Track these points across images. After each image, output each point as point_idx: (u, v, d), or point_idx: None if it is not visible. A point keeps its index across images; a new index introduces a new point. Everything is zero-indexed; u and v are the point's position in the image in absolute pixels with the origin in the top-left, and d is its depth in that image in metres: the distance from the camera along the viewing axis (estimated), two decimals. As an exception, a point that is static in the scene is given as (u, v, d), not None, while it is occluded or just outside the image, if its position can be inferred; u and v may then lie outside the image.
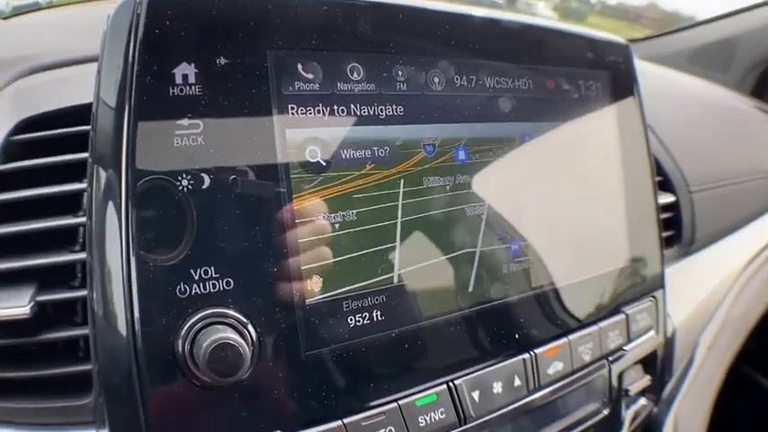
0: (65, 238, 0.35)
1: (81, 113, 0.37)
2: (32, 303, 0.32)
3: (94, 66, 0.29)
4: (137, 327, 0.27)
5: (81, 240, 0.35)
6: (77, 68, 0.43)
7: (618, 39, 0.48)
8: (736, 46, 1.00)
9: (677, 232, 0.63)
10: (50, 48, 0.45)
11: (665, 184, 0.63)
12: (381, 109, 0.33)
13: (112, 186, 0.27)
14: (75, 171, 0.35)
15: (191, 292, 0.28)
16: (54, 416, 0.33)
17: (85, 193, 0.35)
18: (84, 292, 0.33)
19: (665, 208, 0.61)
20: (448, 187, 0.35)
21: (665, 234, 0.61)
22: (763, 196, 0.75)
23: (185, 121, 0.28)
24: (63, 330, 0.33)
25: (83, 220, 0.35)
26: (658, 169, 0.63)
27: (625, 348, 0.46)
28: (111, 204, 0.27)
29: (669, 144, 0.66)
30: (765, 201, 0.75)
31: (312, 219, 0.31)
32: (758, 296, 0.70)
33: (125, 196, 0.27)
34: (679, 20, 1.43)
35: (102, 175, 0.28)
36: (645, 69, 0.93)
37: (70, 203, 0.35)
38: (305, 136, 0.31)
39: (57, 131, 0.37)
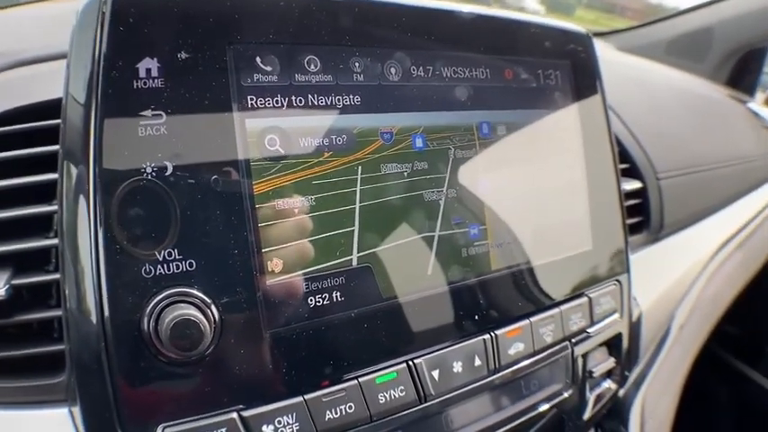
0: (40, 225, 0.37)
1: (52, 108, 0.39)
2: (7, 286, 0.33)
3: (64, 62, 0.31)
4: (105, 306, 0.28)
5: (55, 227, 0.37)
6: (50, 64, 0.45)
7: (578, 28, 0.49)
8: (711, 36, 1.02)
9: (645, 218, 0.65)
10: (32, 42, 0.47)
11: (632, 172, 0.65)
12: (338, 99, 0.35)
13: (81, 175, 0.29)
14: (48, 162, 0.37)
15: (155, 273, 0.29)
16: (28, 394, 0.34)
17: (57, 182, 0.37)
18: (58, 276, 0.35)
19: (633, 194, 0.63)
20: (405, 174, 0.37)
21: (633, 220, 0.63)
22: (733, 183, 0.77)
23: (149, 113, 0.29)
24: (38, 312, 0.35)
25: (56, 207, 0.37)
26: (626, 156, 0.65)
27: (588, 331, 0.48)
28: (80, 192, 0.29)
29: (637, 132, 0.67)
30: (735, 188, 0.77)
31: (272, 204, 0.32)
32: (731, 280, 0.72)
33: (93, 183, 0.29)
34: (663, 11, 1.45)
35: (72, 163, 0.30)
36: (618, 60, 0.94)
37: (44, 192, 0.37)
38: (264, 125, 0.32)
39: (29, 125, 0.39)
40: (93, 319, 0.29)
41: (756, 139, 0.87)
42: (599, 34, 1.18)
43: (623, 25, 1.28)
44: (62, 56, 0.46)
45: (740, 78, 1.04)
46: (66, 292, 0.29)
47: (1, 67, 0.44)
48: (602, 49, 1.02)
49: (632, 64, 0.92)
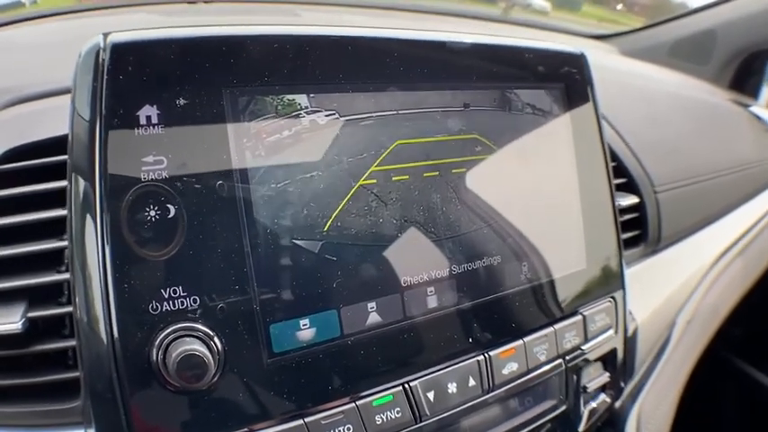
0: (52, 258, 0.39)
1: (63, 144, 0.40)
2: (24, 320, 0.35)
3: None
4: (116, 340, 0.30)
5: (66, 261, 0.39)
6: (61, 99, 0.46)
7: (572, 49, 0.49)
8: (714, 38, 1.01)
9: (643, 232, 0.66)
10: (35, 77, 0.48)
11: (629, 186, 0.65)
12: (336, 137, 0.36)
13: (91, 213, 0.31)
14: (62, 197, 0.39)
15: (162, 309, 0.31)
16: (46, 418, 0.37)
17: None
18: (71, 308, 0.37)
19: (630, 209, 0.63)
20: (401, 203, 0.38)
21: (629, 234, 0.64)
22: (733, 191, 0.77)
23: (150, 158, 0.31)
24: (53, 342, 0.37)
25: (67, 243, 0.39)
26: (622, 171, 0.65)
27: (582, 348, 0.49)
28: (89, 231, 0.31)
29: (635, 145, 0.67)
30: (735, 195, 0.76)
31: (270, 243, 0.34)
32: (731, 288, 0.72)
33: (100, 227, 0.30)
34: (670, 6, 1.44)
35: (80, 205, 0.31)
36: (618, 67, 0.94)
37: (56, 227, 0.39)
38: (263, 168, 0.34)
39: (40, 161, 0.41)
40: (105, 349, 0.30)
41: (757, 144, 0.86)
42: (602, 37, 1.17)
43: (630, 20, 1.27)
44: (65, 91, 0.47)
45: (744, 81, 1.03)
46: (79, 324, 0.31)
47: (6, 104, 0.45)
48: (605, 55, 1.02)
49: (633, 71, 0.91)
